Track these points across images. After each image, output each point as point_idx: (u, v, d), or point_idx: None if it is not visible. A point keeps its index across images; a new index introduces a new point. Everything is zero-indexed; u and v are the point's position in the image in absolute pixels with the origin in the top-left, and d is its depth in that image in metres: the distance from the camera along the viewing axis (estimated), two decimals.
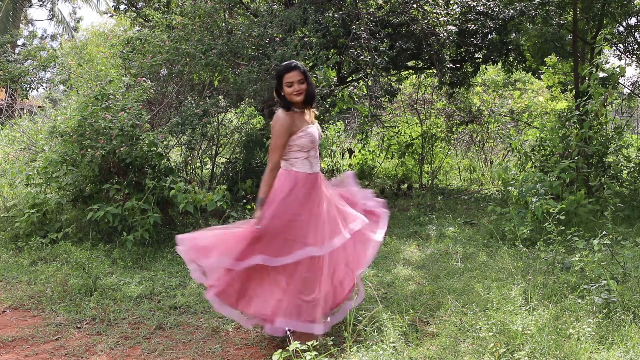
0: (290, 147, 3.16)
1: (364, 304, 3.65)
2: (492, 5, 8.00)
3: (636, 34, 9.10)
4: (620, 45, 9.35)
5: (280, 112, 3.16)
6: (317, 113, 3.51)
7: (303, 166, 3.18)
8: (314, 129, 3.24)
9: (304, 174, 3.17)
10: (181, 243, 3.16)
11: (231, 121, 7.53)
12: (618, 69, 5.79)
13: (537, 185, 5.36)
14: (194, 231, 3.36)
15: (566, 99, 9.58)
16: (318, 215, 3.18)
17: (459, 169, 10.70)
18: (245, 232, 3.12)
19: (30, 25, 27.08)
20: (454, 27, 7.31)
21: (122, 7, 10.41)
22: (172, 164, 6.49)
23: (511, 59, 9.07)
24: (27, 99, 9.30)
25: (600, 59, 5.71)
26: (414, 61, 9.22)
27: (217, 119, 6.87)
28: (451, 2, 7.92)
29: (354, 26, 6.74)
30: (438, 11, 7.26)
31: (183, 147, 6.72)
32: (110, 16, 16.55)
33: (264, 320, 3.11)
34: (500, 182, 7.10)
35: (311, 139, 3.17)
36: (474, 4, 7.96)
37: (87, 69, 7.10)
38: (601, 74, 6.07)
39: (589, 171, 6.44)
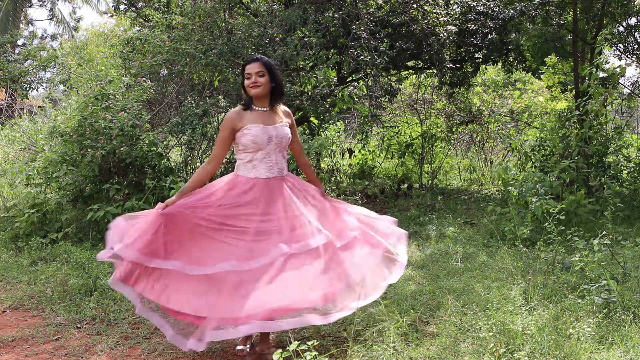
0: (236, 145, 3.03)
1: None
2: (492, 5, 8.00)
3: (636, 34, 9.10)
4: (620, 45, 9.35)
5: (235, 108, 3.08)
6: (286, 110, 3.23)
7: (245, 169, 3.01)
8: (268, 129, 2.99)
9: (244, 179, 2.99)
10: (112, 226, 2.96)
11: None
12: (618, 69, 5.79)
13: (537, 185, 5.35)
14: None
15: (566, 99, 9.58)
16: (252, 226, 2.92)
17: (459, 169, 10.71)
18: (150, 217, 2.89)
19: (30, 25, 27.10)
20: (454, 27, 7.31)
21: (122, 7, 10.43)
22: (172, 164, 6.49)
23: (511, 59, 9.07)
24: (27, 99, 9.30)
25: (600, 59, 5.71)
26: (414, 61, 9.21)
27: (217, 119, 6.88)
28: (451, 2, 7.92)
29: (354, 26, 6.74)
30: (438, 11, 7.25)
31: (183, 147, 6.72)
32: (110, 16, 16.57)
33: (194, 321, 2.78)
34: (500, 182, 7.09)
35: (253, 140, 2.94)
36: (474, 4, 7.96)
37: (87, 69, 7.11)
38: (601, 74, 6.07)
39: (589, 171, 6.44)
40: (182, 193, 2.96)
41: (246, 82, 3.03)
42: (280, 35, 6.37)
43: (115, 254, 2.86)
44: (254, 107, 3.03)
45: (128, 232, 2.91)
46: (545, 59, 9.03)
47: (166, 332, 2.83)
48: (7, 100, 9.63)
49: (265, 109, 3.05)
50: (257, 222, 2.93)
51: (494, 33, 8.42)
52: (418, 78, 10.20)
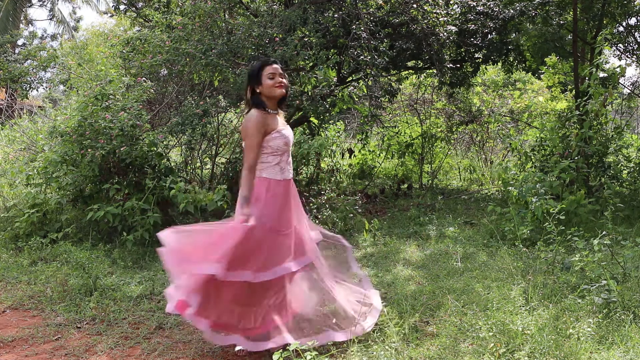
0: (262, 149, 2.96)
1: None
2: (492, 5, 8.00)
3: (636, 34, 9.10)
4: (620, 45, 9.35)
5: (252, 111, 2.97)
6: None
7: (273, 172, 2.98)
8: (288, 131, 3.07)
9: (274, 181, 2.98)
10: (166, 243, 2.92)
11: (231, 121, 7.53)
12: (618, 69, 5.79)
13: (537, 185, 5.36)
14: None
15: (566, 99, 9.57)
16: (294, 226, 3.05)
17: (459, 169, 10.71)
18: (233, 231, 2.88)
19: (30, 25, 27.10)
20: (454, 27, 7.30)
21: (122, 7, 10.44)
22: (172, 164, 6.49)
23: (511, 59, 9.07)
24: (27, 99, 9.31)
25: (600, 59, 5.71)
26: (414, 61, 9.21)
27: (217, 119, 6.87)
28: (451, 2, 7.91)
29: (354, 26, 6.73)
30: (438, 11, 7.25)
31: (183, 147, 6.72)
32: (110, 16, 16.57)
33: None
34: (500, 182, 7.09)
35: (285, 141, 2.99)
36: (474, 4, 7.95)
37: (87, 69, 7.11)
38: (601, 74, 6.07)
39: (589, 171, 6.44)
40: (248, 203, 2.92)
41: (269, 82, 2.97)
42: (280, 35, 6.37)
43: (201, 274, 2.82)
44: (269, 110, 3.02)
45: (200, 249, 2.92)
46: (545, 59, 9.04)
47: (249, 345, 2.96)
48: (7, 100, 9.64)
49: (276, 112, 3.08)
50: (295, 222, 3.08)
51: (494, 33, 8.41)
52: (418, 78, 10.20)
